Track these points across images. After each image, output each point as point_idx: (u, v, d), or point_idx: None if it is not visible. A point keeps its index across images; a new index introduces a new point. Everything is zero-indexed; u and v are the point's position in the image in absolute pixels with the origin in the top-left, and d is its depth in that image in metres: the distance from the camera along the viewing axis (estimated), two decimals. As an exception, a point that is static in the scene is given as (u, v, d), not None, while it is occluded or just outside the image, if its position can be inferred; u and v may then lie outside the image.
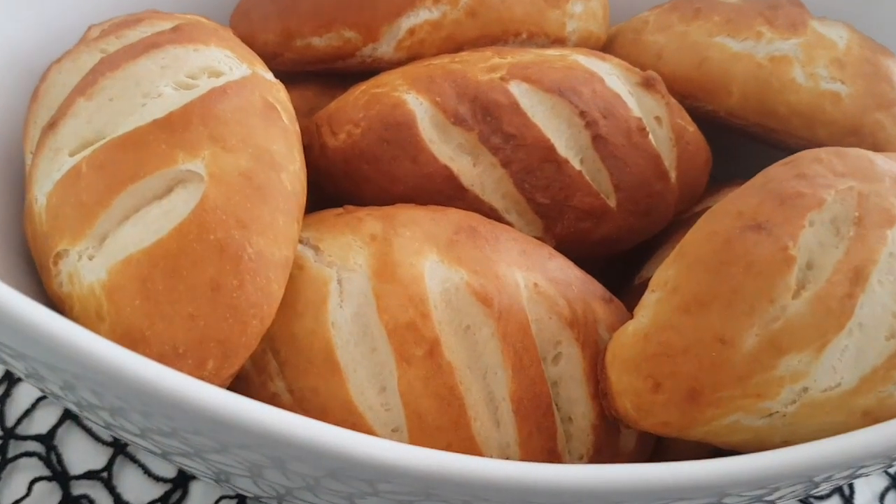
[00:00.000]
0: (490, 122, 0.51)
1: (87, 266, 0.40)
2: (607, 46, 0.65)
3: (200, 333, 0.39)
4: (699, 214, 0.60)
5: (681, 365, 0.43)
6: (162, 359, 0.38)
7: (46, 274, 0.42)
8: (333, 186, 0.53)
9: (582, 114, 0.52)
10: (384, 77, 0.53)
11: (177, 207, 0.40)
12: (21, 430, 0.58)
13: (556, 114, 0.52)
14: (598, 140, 0.52)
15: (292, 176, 0.44)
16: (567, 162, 0.52)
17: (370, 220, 0.47)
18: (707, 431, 0.44)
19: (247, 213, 0.41)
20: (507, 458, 0.46)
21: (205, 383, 0.32)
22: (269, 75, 0.49)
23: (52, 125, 0.44)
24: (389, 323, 0.44)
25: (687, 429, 0.44)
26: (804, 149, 0.60)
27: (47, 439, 0.58)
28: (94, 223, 0.40)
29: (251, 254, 0.40)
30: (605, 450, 0.48)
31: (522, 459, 0.45)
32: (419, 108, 0.51)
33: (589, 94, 0.53)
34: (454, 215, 0.49)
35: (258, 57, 0.49)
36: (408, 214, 0.48)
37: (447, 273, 0.46)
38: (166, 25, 0.49)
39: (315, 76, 0.59)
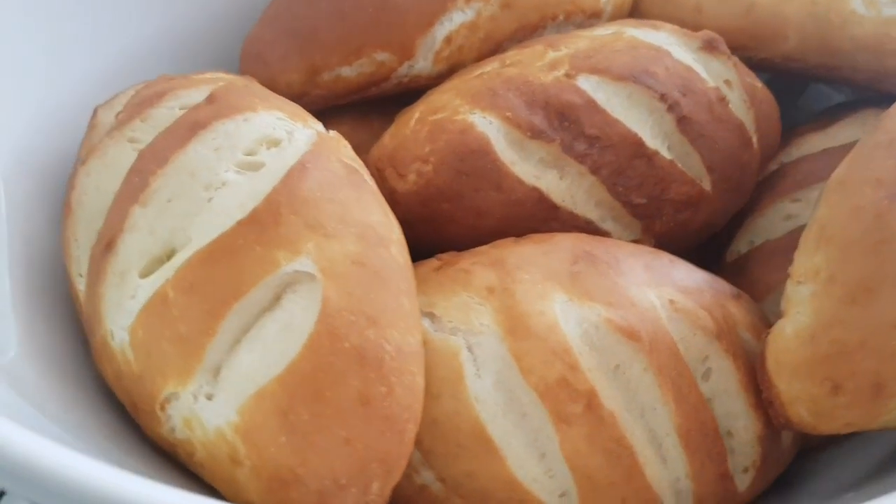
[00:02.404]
0: (569, 127, 0.46)
1: (207, 408, 0.34)
2: (633, 9, 0.60)
3: (360, 457, 0.33)
4: (776, 173, 0.56)
5: (859, 362, 0.39)
6: (323, 496, 0.33)
7: (148, 418, 0.36)
8: (410, 233, 0.46)
9: (662, 97, 0.47)
10: (436, 98, 0.47)
11: (295, 318, 0.34)
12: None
13: (634, 103, 0.47)
14: (683, 122, 0.48)
15: (399, 246, 0.38)
16: (657, 153, 0.47)
17: (479, 269, 0.42)
18: (887, 420, 0.41)
19: (373, 306, 0.35)
20: (678, 493, 0.42)
21: None
22: (321, 127, 0.42)
23: (108, 245, 0.37)
24: (539, 384, 0.39)
25: (868, 424, 0.41)
26: (871, 83, 0.56)
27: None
28: (203, 356, 0.34)
29: (391, 352, 0.35)
30: (770, 457, 0.44)
31: (695, 491, 0.42)
32: (490, 128, 0.45)
33: (663, 73, 0.48)
34: (564, 242, 0.43)
35: (302, 108, 0.43)
36: (517, 254, 0.43)
37: (581, 312, 0.41)
38: (193, 94, 0.42)
39: (344, 107, 0.53)
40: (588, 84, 0.47)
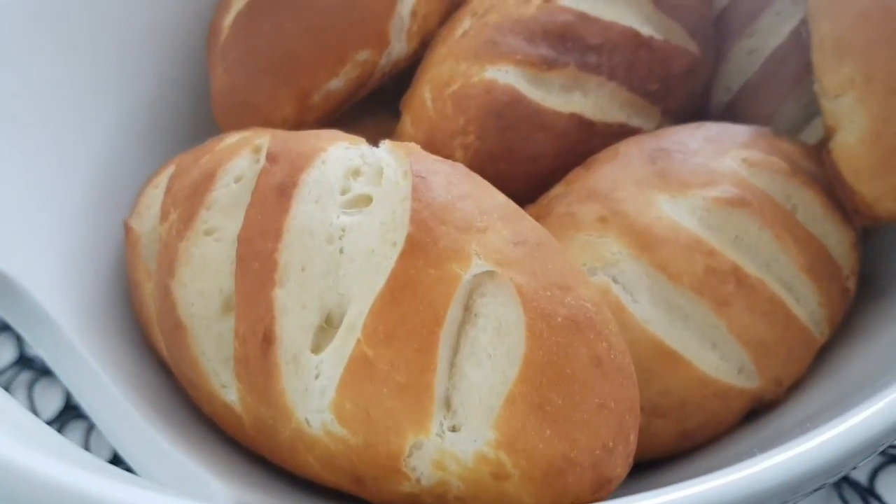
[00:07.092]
0: (573, 46, 0.46)
1: (457, 440, 0.33)
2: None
3: (616, 415, 0.34)
4: (719, 20, 0.59)
5: (925, 140, 0.43)
6: (597, 466, 0.33)
7: (385, 482, 0.35)
8: (476, 205, 0.47)
9: (633, -14, 0.49)
10: (438, 72, 0.47)
11: (500, 319, 0.34)
12: None
13: (613, 1, 0.48)
14: (658, 2, 0.49)
15: (527, 214, 0.38)
16: (652, 37, 0.49)
17: (579, 207, 0.43)
18: None
19: (556, 275, 0.35)
20: (816, 322, 0.44)
21: None
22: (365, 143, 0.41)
23: (265, 339, 0.35)
24: (692, 282, 0.41)
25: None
26: None
27: None
28: (433, 394, 0.33)
29: (590, 308, 0.35)
30: (861, 257, 0.48)
31: (827, 314, 0.45)
32: (508, 76, 0.45)
33: (620, -36, 0.49)
34: (630, 149, 0.45)
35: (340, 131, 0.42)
36: (600, 178, 0.43)
37: (686, 203, 0.42)
38: (239, 164, 0.39)
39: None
40: (568, 0, 0.47)
